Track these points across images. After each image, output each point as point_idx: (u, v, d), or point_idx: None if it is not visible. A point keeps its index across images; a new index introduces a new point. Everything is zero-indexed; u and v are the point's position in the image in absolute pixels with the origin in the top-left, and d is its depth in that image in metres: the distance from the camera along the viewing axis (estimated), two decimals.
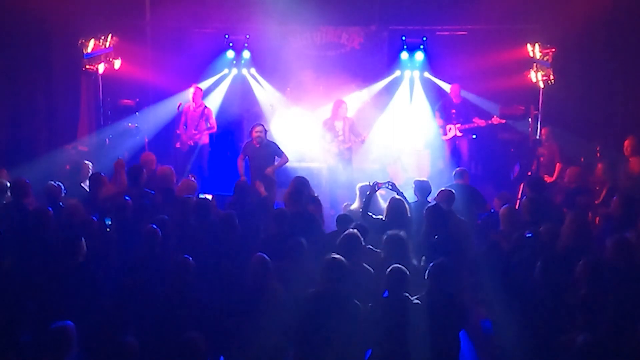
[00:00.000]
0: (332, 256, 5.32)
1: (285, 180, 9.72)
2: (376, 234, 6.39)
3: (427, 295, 5.30)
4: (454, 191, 7.50)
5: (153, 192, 7.77)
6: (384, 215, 6.95)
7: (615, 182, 8.74)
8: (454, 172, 8.63)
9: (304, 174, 8.85)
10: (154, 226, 6.22)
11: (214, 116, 11.27)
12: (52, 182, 7.55)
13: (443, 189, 7.61)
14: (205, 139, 11.15)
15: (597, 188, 8.90)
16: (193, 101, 11.07)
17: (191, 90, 11.14)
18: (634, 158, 9.10)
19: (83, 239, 5.80)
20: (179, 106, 11.11)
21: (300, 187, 7.47)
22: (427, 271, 5.38)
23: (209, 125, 11.10)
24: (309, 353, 5.12)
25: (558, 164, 10.35)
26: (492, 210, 8.00)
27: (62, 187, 7.59)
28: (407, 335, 5.09)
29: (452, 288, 5.35)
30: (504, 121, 11.39)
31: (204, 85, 12.29)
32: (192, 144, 11.01)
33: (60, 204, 7.24)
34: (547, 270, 5.30)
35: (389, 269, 5.30)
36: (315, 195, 7.97)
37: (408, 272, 5.28)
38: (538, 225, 6.30)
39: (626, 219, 6.66)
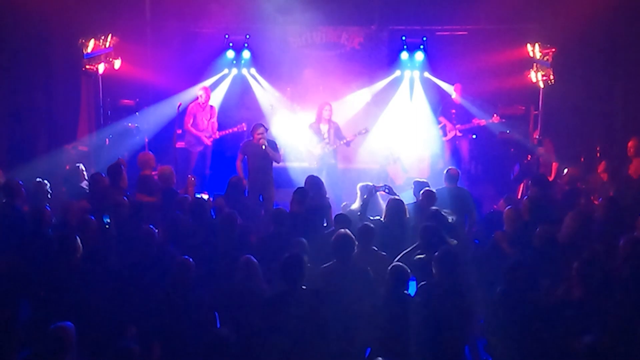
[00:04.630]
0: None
1: (284, 180, 9.74)
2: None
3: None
4: (434, 191, 7.43)
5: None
6: (383, 216, 6.98)
7: (617, 182, 8.73)
8: (444, 173, 8.28)
9: (304, 174, 8.86)
10: (151, 226, 6.22)
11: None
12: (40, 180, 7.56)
13: (427, 189, 7.53)
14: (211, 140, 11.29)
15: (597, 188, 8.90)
16: (206, 102, 11.17)
17: (201, 92, 11.20)
18: (638, 159, 9.09)
19: (78, 237, 5.75)
20: (178, 106, 11.12)
21: (304, 188, 7.49)
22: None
23: (214, 123, 11.23)
24: (305, 349, 5.11)
25: (554, 164, 10.34)
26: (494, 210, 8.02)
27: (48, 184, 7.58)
28: (409, 333, 5.10)
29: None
30: (504, 120, 11.37)
31: (204, 85, 12.30)
32: (209, 144, 11.15)
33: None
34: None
35: (390, 267, 5.31)
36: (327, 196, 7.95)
37: (409, 271, 5.28)
38: (537, 225, 6.28)
39: (612, 222, 6.66)
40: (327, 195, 8.06)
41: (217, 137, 11.22)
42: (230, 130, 11.26)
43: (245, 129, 11.27)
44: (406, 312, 5.16)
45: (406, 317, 5.14)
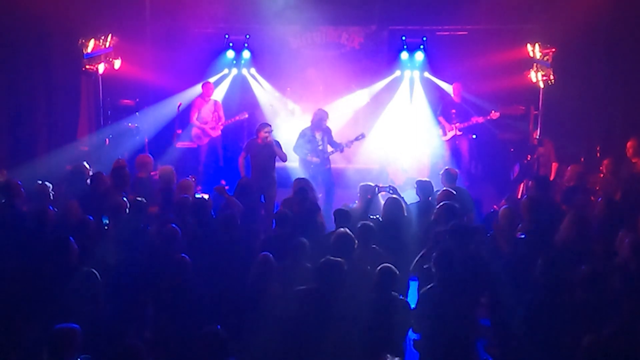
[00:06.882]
0: (328, 258, 5.36)
1: (284, 180, 9.73)
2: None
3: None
4: (454, 192, 7.44)
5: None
6: (381, 215, 6.98)
7: (622, 181, 8.73)
8: (440, 174, 8.21)
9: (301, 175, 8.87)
10: (174, 225, 6.20)
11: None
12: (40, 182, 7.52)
13: (444, 189, 7.56)
14: (218, 132, 11.38)
15: (597, 188, 8.89)
16: (207, 96, 11.28)
17: (200, 86, 11.35)
18: (637, 159, 9.09)
19: (72, 239, 5.69)
20: (178, 106, 11.14)
21: (305, 188, 7.47)
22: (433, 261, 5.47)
23: (220, 117, 11.33)
24: (301, 350, 5.11)
25: (554, 164, 10.35)
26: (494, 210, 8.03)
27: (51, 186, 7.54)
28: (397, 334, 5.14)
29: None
30: (502, 117, 11.36)
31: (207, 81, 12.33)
32: (215, 136, 11.27)
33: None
34: (546, 269, 5.29)
35: (378, 268, 5.30)
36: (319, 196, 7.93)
37: (397, 272, 5.29)
38: (536, 225, 6.28)
39: (610, 221, 6.66)
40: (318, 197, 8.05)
41: (222, 127, 11.30)
42: (233, 120, 11.37)
43: (247, 116, 11.36)
44: (393, 314, 5.16)
45: (393, 318, 5.14)
